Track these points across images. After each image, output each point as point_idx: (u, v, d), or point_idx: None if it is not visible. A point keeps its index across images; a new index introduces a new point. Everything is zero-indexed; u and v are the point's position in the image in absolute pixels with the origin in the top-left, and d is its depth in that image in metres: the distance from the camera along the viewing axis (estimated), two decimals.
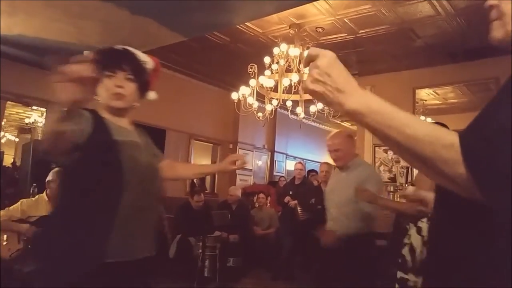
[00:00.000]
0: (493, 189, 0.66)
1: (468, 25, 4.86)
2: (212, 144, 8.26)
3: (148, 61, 1.73)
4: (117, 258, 1.44)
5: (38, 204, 3.76)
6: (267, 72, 4.89)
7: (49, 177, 3.87)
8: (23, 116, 8.90)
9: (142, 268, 1.56)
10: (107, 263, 1.41)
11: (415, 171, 4.57)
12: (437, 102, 7.69)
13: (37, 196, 3.88)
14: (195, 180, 7.02)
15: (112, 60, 1.58)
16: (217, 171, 2.35)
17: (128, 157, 1.51)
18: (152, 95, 1.77)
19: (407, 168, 6.09)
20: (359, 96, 0.74)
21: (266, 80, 4.79)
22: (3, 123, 7.00)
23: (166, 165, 1.85)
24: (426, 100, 7.53)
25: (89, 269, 1.40)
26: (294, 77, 4.67)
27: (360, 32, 5.10)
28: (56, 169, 4.00)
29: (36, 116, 8.38)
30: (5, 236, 3.45)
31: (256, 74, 4.89)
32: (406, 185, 5.71)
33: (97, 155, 1.46)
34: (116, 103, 1.57)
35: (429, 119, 6.69)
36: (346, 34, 5.22)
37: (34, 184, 4.37)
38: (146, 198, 1.56)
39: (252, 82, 4.88)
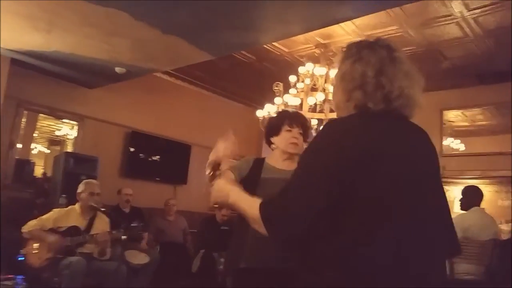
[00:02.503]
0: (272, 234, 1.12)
1: (496, 47, 4.81)
2: (236, 160, 8.27)
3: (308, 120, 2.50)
4: (249, 264, 2.01)
5: (69, 215, 3.87)
6: (293, 91, 4.92)
7: (79, 189, 3.99)
8: (54, 128, 9.14)
9: (282, 276, 1.84)
10: (243, 268, 2.01)
11: None
12: (466, 123, 7.53)
13: (69, 207, 4.00)
14: None
15: (292, 119, 2.23)
16: None
17: (262, 191, 1.88)
18: None
19: None
20: (233, 193, 1.37)
21: (291, 99, 4.83)
22: (35, 135, 7.24)
23: None
24: (454, 122, 7.39)
25: (231, 270, 2.11)
26: (319, 96, 4.69)
27: None
28: (85, 180, 4.12)
29: (67, 129, 8.61)
30: (35, 245, 3.56)
31: (282, 92, 4.94)
32: None
33: (245, 188, 1.95)
34: (293, 150, 2.19)
35: (457, 141, 6.60)
36: None
37: (63, 195, 4.49)
38: None
39: (278, 100, 4.92)
